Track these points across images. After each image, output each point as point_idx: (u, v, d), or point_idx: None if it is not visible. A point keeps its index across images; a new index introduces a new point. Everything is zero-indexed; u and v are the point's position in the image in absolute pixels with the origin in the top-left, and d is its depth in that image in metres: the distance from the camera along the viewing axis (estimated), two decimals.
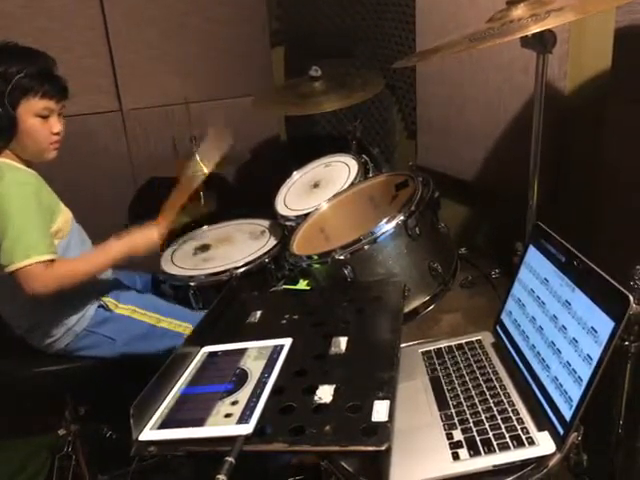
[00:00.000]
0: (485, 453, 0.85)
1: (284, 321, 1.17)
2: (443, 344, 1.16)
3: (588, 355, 0.82)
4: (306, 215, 1.62)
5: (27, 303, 1.37)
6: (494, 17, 1.20)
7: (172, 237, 1.87)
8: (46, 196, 1.36)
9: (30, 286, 1.25)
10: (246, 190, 2.50)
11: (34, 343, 1.44)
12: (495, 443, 0.86)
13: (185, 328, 1.50)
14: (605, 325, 0.80)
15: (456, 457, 0.85)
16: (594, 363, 0.80)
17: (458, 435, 0.90)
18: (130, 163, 2.34)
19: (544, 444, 0.84)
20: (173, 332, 1.50)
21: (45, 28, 2.04)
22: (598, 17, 1.40)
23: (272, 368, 0.98)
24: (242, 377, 0.97)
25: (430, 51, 1.27)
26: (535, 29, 1.02)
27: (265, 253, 1.66)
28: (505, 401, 0.95)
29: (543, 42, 1.15)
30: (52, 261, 1.28)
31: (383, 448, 0.76)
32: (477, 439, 0.88)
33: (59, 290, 1.29)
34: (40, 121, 1.32)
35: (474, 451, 0.86)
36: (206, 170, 1.68)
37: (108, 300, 1.47)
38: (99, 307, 1.46)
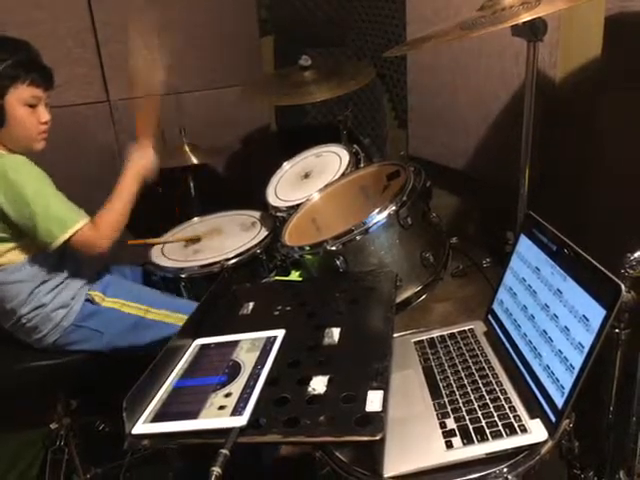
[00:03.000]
0: (478, 441, 0.85)
1: (276, 312, 1.17)
2: (435, 333, 1.16)
3: (580, 343, 0.82)
4: (297, 206, 1.62)
5: (13, 298, 1.36)
6: (485, 5, 1.20)
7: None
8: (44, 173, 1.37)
9: (90, 250, 1.36)
10: (236, 181, 2.48)
11: (23, 338, 1.44)
12: (488, 431, 0.87)
13: (175, 318, 1.49)
14: (596, 313, 0.80)
15: (449, 445, 0.86)
16: (586, 351, 0.81)
17: (451, 424, 0.90)
18: (118, 154, 2.32)
19: (536, 431, 0.85)
20: (162, 323, 1.48)
21: (31, 19, 2.00)
22: (588, 5, 1.40)
23: (265, 359, 0.98)
24: (235, 369, 0.97)
25: (421, 40, 1.27)
26: (526, 17, 1.01)
27: (256, 244, 1.65)
28: (497, 389, 0.95)
29: (534, 30, 1.15)
30: (90, 222, 1.35)
31: (377, 438, 0.76)
32: (470, 427, 0.88)
33: (117, 239, 1.39)
34: (28, 110, 1.33)
35: (467, 439, 0.86)
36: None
37: (94, 293, 1.46)
38: (85, 301, 1.45)
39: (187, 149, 2.01)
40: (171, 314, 1.50)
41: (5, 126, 1.31)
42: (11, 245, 1.34)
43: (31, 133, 1.35)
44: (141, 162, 1.49)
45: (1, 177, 1.27)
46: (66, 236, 1.31)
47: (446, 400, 0.96)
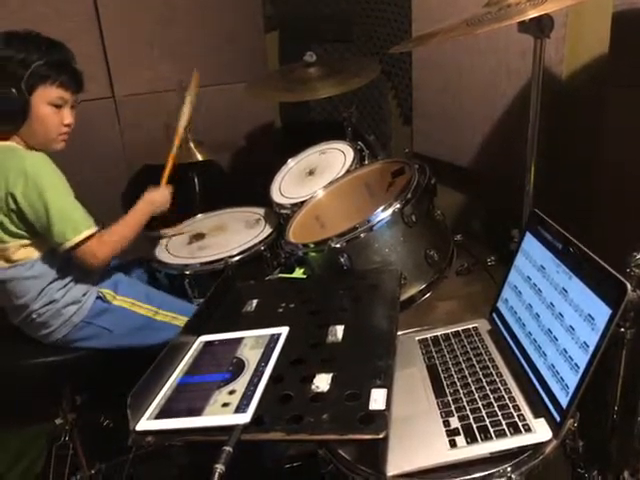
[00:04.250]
0: (482, 440, 0.85)
1: (280, 310, 1.17)
2: (440, 332, 1.16)
3: (585, 342, 0.82)
4: (302, 203, 1.61)
5: (26, 294, 1.37)
6: (491, 1, 1.19)
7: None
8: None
9: (92, 258, 1.36)
10: (240, 178, 2.48)
11: (31, 333, 1.44)
12: (492, 430, 0.86)
13: (182, 321, 1.49)
14: (602, 312, 0.80)
15: (453, 444, 0.86)
16: (591, 350, 0.80)
17: (455, 422, 0.90)
18: (123, 150, 2.32)
19: (540, 431, 0.85)
20: (170, 325, 1.49)
21: (36, 14, 2.00)
22: (595, 1, 1.39)
23: (269, 357, 0.98)
24: (239, 366, 0.97)
25: (427, 36, 1.26)
26: (533, 13, 1.00)
27: (260, 241, 1.65)
28: (502, 388, 0.95)
29: (541, 27, 1.14)
30: (98, 233, 1.36)
31: (381, 436, 0.76)
32: (474, 426, 0.88)
33: (115, 257, 1.43)
34: (53, 110, 1.34)
35: (471, 438, 0.86)
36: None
37: (106, 291, 1.47)
38: (97, 298, 1.45)
39: (192, 145, 2.01)
40: (179, 316, 1.51)
41: (28, 121, 1.32)
42: (26, 242, 1.35)
43: (51, 132, 1.36)
44: (157, 198, 1.57)
45: (21, 174, 1.28)
46: (78, 239, 1.32)
47: (450, 399, 0.96)
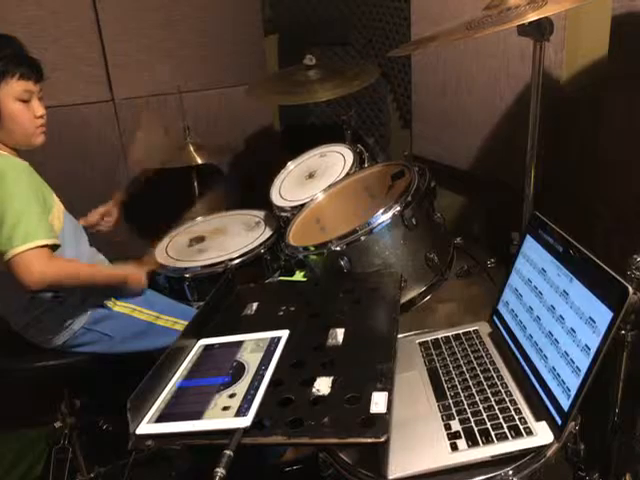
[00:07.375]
0: (483, 443, 0.85)
1: (281, 313, 1.17)
2: (440, 334, 1.16)
3: (586, 345, 0.82)
4: (301, 206, 1.61)
5: (25, 300, 1.36)
6: (491, 4, 1.19)
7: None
8: (40, 185, 1.35)
9: (28, 271, 1.18)
10: (240, 181, 2.48)
11: (31, 339, 1.43)
12: (493, 433, 0.86)
13: (183, 326, 1.48)
14: (603, 315, 0.80)
15: (454, 448, 0.86)
16: (592, 353, 0.80)
17: (456, 426, 0.90)
18: (122, 153, 2.32)
19: (542, 434, 0.84)
20: (171, 330, 1.49)
21: (35, 17, 2.00)
22: (595, 4, 1.39)
23: (269, 360, 0.98)
24: (239, 370, 0.97)
25: (426, 40, 1.26)
26: (533, 17, 1.01)
27: (260, 244, 1.65)
28: (503, 391, 0.95)
29: (540, 30, 1.15)
30: (54, 248, 1.25)
31: (382, 440, 0.76)
32: (475, 430, 0.88)
33: (53, 286, 1.27)
34: (22, 106, 1.32)
35: (472, 441, 0.86)
36: None
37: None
38: (97, 305, 1.44)
39: (191, 149, 2.01)
40: (180, 321, 1.50)
41: (2, 124, 1.30)
42: None
43: (28, 128, 1.34)
44: (134, 284, 1.46)
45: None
46: (23, 248, 1.18)
47: (451, 402, 0.95)
